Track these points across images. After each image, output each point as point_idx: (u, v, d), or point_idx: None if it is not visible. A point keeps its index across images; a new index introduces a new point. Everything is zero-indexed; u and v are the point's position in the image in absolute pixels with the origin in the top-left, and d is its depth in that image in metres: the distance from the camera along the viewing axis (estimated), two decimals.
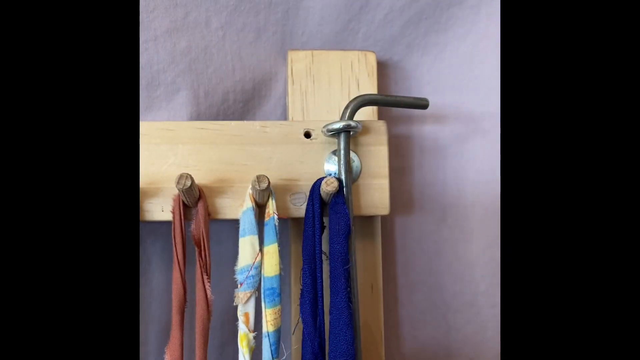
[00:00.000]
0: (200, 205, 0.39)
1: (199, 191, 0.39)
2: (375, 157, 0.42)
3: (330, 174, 0.41)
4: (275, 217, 0.38)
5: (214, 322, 0.45)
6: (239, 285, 0.38)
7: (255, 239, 0.38)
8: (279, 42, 0.47)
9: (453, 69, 0.50)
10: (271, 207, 0.38)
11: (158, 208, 0.40)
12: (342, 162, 0.40)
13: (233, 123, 0.42)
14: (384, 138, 0.43)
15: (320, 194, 0.39)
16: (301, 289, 0.38)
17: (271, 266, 0.37)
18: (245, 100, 0.47)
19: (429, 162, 0.50)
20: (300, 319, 0.38)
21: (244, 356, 0.37)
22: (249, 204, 0.38)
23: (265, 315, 0.37)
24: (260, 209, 0.40)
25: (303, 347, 0.37)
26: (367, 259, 0.45)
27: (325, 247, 0.39)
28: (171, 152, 0.41)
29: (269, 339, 0.37)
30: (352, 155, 0.42)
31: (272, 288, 0.37)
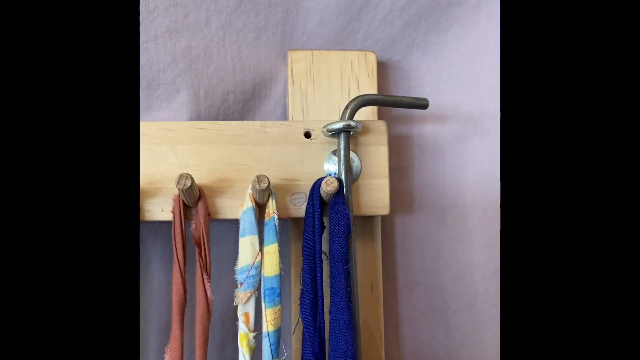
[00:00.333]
0: (200, 205, 0.39)
1: (199, 191, 0.39)
2: (375, 157, 0.42)
3: (330, 174, 0.41)
4: (275, 217, 0.38)
5: (214, 322, 0.45)
6: (239, 285, 0.38)
7: (255, 239, 0.38)
8: (279, 42, 0.48)
9: (453, 69, 0.50)
10: (271, 207, 0.38)
11: (158, 208, 0.40)
12: (342, 162, 0.40)
13: (233, 123, 0.42)
14: (384, 138, 0.43)
15: (320, 194, 0.39)
16: (301, 289, 0.38)
17: (271, 266, 0.38)
18: (245, 100, 0.47)
19: (428, 162, 0.50)
20: (300, 319, 0.38)
21: (244, 356, 0.37)
22: (249, 204, 0.38)
23: (265, 315, 0.37)
24: (260, 209, 0.40)
25: (303, 347, 0.38)
26: (367, 259, 0.45)
27: (325, 247, 0.39)
28: (171, 152, 0.41)
29: (269, 338, 0.37)
30: (352, 155, 0.42)
31: (272, 288, 0.37)
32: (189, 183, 0.36)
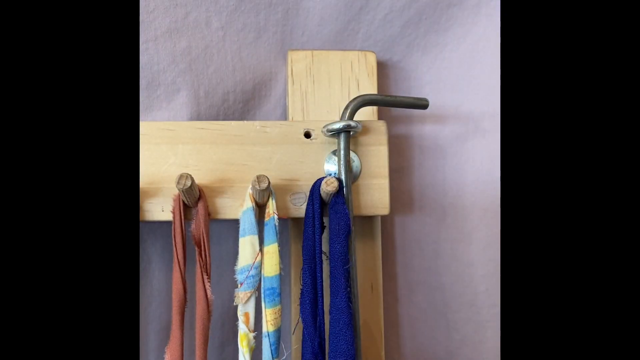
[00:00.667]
0: (200, 205, 0.39)
1: (199, 191, 0.39)
2: (375, 157, 0.42)
3: (330, 174, 0.41)
4: (275, 217, 0.38)
5: (214, 322, 0.45)
6: (239, 285, 0.38)
7: (255, 238, 0.38)
8: (279, 42, 0.48)
9: (453, 69, 0.50)
10: (271, 207, 0.38)
11: (158, 208, 0.40)
12: (342, 162, 0.40)
13: (233, 123, 0.42)
14: (384, 138, 0.43)
15: (320, 194, 0.39)
16: (301, 289, 0.38)
17: (271, 266, 0.38)
18: (245, 100, 0.47)
19: (428, 162, 0.50)
20: (300, 319, 0.38)
21: (244, 356, 0.37)
22: (249, 204, 0.38)
23: (265, 315, 0.37)
24: (260, 209, 0.40)
25: (303, 347, 0.38)
26: (367, 259, 0.45)
27: (325, 247, 0.39)
28: (171, 152, 0.41)
29: (269, 338, 0.37)
30: (352, 155, 0.42)
31: (272, 288, 0.37)
32: (189, 183, 0.36)
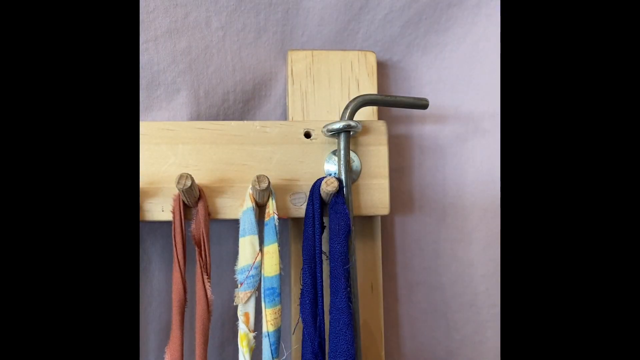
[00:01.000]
0: (200, 205, 0.39)
1: (199, 191, 0.39)
2: (375, 157, 0.42)
3: (330, 174, 0.41)
4: (276, 217, 0.38)
5: (214, 322, 0.45)
6: (239, 285, 0.38)
7: (255, 238, 0.38)
8: (279, 42, 0.48)
9: (453, 69, 0.50)
10: (271, 207, 0.38)
11: (158, 208, 0.40)
12: (342, 162, 0.40)
13: (233, 123, 0.42)
14: (384, 138, 0.43)
15: (320, 194, 0.39)
16: (301, 289, 0.38)
17: (271, 266, 0.38)
18: (245, 101, 0.47)
19: (428, 162, 0.50)
20: (300, 319, 0.38)
21: (244, 356, 0.37)
22: (249, 203, 0.38)
23: (265, 315, 0.37)
24: (260, 209, 0.40)
25: (303, 347, 0.38)
26: (367, 259, 0.45)
27: (325, 247, 0.39)
28: (171, 152, 0.41)
29: (269, 338, 0.37)
30: (352, 155, 0.42)
31: (272, 288, 0.37)
32: (189, 183, 0.36)
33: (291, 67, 0.46)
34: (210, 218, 0.40)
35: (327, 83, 0.46)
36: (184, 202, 0.39)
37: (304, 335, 0.37)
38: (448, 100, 0.50)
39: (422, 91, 0.50)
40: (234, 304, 0.38)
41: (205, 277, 0.37)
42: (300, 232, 0.42)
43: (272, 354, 0.37)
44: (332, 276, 0.38)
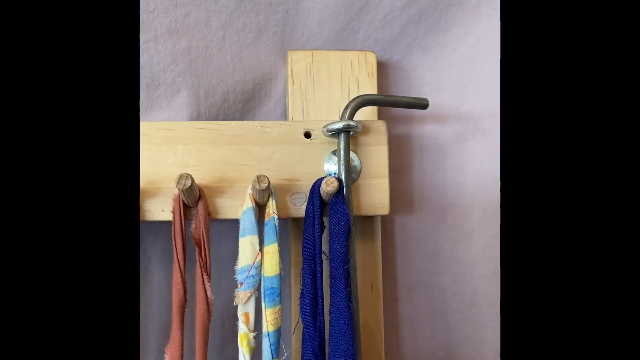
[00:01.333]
0: (200, 205, 0.39)
1: (199, 191, 0.39)
2: (375, 157, 0.42)
3: (330, 174, 0.41)
4: (275, 217, 0.38)
5: (214, 322, 0.45)
6: (239, 285, 0.38)
7: (255, 238, 0.38)
8: (279, 42, 0.48)
9: (453, 69, 0.50)
10: (271, 207, 0.38)
11: (158, 208, 0.40)
12: (342, 162, 0.40)
13: (233, 123, 0.42)
14: (384, 138, 0.43)
15: (320, 194, 0.39)
16: (301, 289, 0.38)
17: (271, 266, 0.38)
18: (245, 101, 0.47)
19: (428, 162, 0.50)
20: (300, 319, 0.38)
21: (244, 356, 0.37)
22: (249, 203, 0.38)
23: (265, 315, 0.37)
24: (260, 209, 0.40)
25: (303, 347, 0.38)
26: (367, 259, 0.45)
27: (325, 247, 0.39)
28: (171, 152, 0.41)
29: (269, 338, 0.37)
30: (352, 155, 0.42)
31: (272, 288, 0.37)
32: (189, 183, 0.36)
33: (291, 67, 0.46)
34: (210, 218, 0.40)
35: (327, 83, 0.46)
36: (184, 202, 0.39)
37: (304, 335, 0.37)
38: (448, 100, 0.50)
39: (422, 91, 0.50)
40: (234, 304, 0.38)
41: (205, 277, 0.37)
42: (300, 232, 0.42)
43: (272, 354, 0.37)
44: (332, 276, 0.38)
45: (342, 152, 0.40)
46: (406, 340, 0.49)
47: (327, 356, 0.37)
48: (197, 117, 0.45)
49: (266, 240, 0.38)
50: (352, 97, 0.43)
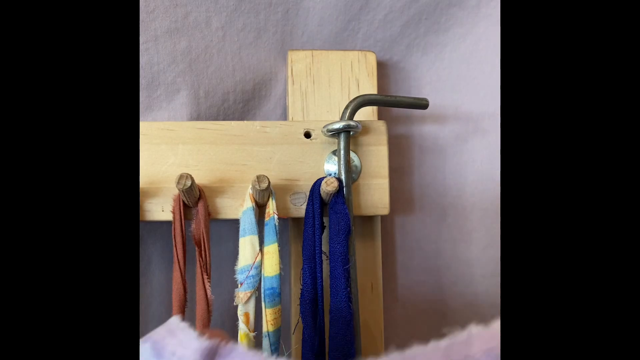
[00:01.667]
0: (200, 205, 0.39)
1: (199, 191, 0.39)
2: (375, 157, 0.42)
3: (330, 174, 0.41)
4: (276, 217, 0.38)
5: (214, 322, 0.45)
6: (239, 285, 0.38)
7: (255, 238, 0.38)
8: (279, 42, 0.48)
9: (453, 69, 0.50)
10: (271, 207, 0.38)
11: (158, 208, 0.40)
12: (342, 162, 0.40)
13: (233, 123, 0.42)
14: (384, 138, 0.43)
15: (320, 194, 0.39)
16: (301, 289, 0.38)
17: (271, 266, 0.38)
18: (245, 101, 0.47)
19: (429, 162, 0.50)
20: (300, 319, 0.38)
21: None
22: (249, 203, 0.38)
23: (265, 315, 0.37)
24: (260, 208, 0.40)
25: (303, 347, 0.38)
26: (367, 259, 0.45)
27: (325, 247, 0.39)
28: (171, 152, 0.41)
29: (269, 338, 0.37)
30: (352, 155, 0.42)
31: (272, 288, 0.37)
32: (189, 183, 0.36)
33: (291, 67, 0.46)
34: (210, 218, 0.40)
35: (327, 83, 0.46)
36: (184, 202, 0.39)
37: (304, 335, 0.37)
38: (448, 100, 0.50)
39: (422, 91, 0.50)
40: (234, 304, 0.38)
41: (205, 277, 0.37)
42: (300, 232, 0.42)
43: (272, 354, 0.37)
44: (332, 276, 0.38)
45: (342, 152, 0.40)
46: (406, 340, 0.49)
47: (327, 356, 0.37)
48: (197, 117, 0.45)
49: (266, 240, 0.38)
50: (352, 97, 0.43)
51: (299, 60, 0.46)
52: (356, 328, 0.39)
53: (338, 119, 0.41)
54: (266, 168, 0.41)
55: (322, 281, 0.38)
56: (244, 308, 0.37)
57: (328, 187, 0.38)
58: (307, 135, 0.42)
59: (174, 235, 0.38)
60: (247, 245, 0.38)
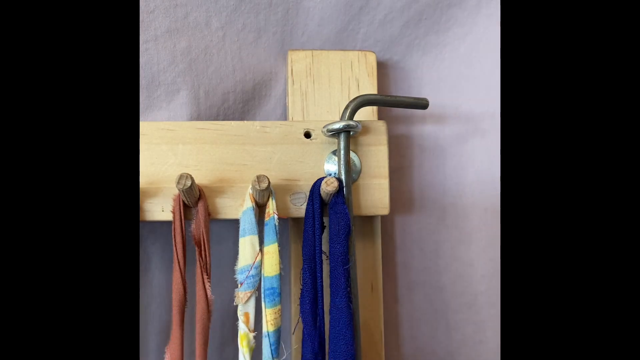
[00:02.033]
0: (200, 205, 0.39)
1: (199, 191, 0.39)
2: (375, 157, 0.42)
3: (330, 174, 0.41)
4: (276, 217, 0.38)
5: (214, 322, 0.45)
6: (239, 285, 0.38)
7: (255, 238, 0.38)
8: (279, 42, 0.48)
9: (453, 69, 0.50)
10: (271, 207, 0.38)
11: (158, 208, 0.40)
12: (342, 162, 0.40)
13: (233, 123, 0.42)
14: (384, 138, 0.43)
15: (320, 194, 0.39)
16: (301, 289, 0.38)
17: (271, 266, 0.38)
18: (245, 100, 0.47)
19: (429, 162, 0.50)
20: (300, 319, 0.38)
21: (244, 356, 0.37)
22: (249, 203, 0.38)
23: (265, 315, 0.37)
24: (260, 209, 0.40)
25: (303, 347, 0.38)
26: (367, 259, 0.45)
27: (325, 247, 0.39)
28: (171, 152, 0.41)
29: (269, 338, 0.37)
30: (352, 155, 0.42)
31: (272, 288, 0.37)
32: (189, 183, 0.36)
33: (291, 67, 0.46)
34: (210, 218, 0.40)
35: (327, 83, 0.46)
36: (184, 202, 0.39)
37: (304, 335, 0.37)
38: (448, 100, 0.50)
39: (422, 91, 0.50)
40: (234, 304, 0.38)
41: (205, 277, 0.37)
42: (300, 232, 0.42)
43: (272, 354, 0.37)
44: (332, 276, 0.38)
45: (342, 152, 0.40)
46: (406, 340, 0.49)
47: (327, 356, 0.37)
48: (197, 117, 0.45)
49: (266, 240, 0.38)
50: (352, 97, 0.43)
51: (299, 60, 0.46)
52: (356, 328, 0.39)
53: (338, 119, 0.41)
54: (266, 168, 0.41)
55: (322, 281, 0.38)
56: (244, 308, 0.37)
57: (328, 187, 0.38)
58: (307, 135, 0.42)
59: (174, 235, 0.38)
60: (247, 245, 0.38)
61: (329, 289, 0.38)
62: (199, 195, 0.39)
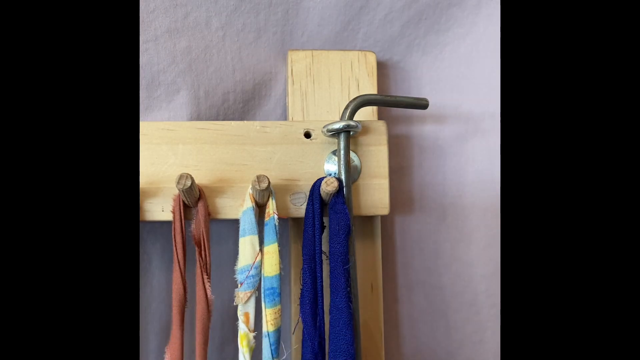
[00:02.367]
0: (200, 205, 0.39)
1: (199, 191, 0.39)
2: (375, 157, 0.42)
3: (330, 174, 0.41)
4: (276, 217, 0.38)
5: (214, 322, 0.45)
6: (239, 285, 0.38)
7: (255, 238, 0.38)
8: (279, 42, 0.48)
9: (453, 69, 0.50)
10: (271, 207, 0.38)
11: (158, 208, 0.40)
12: (342, 162, 0.40)
13: (233, 123, 0.42)
14: (384, 138, 0.43)
15: (320, 194, 0.39)
16: (301, 289, 0.38)
17: (271, 266, 0.38)
18: (245, 101, 0.47)
19: (428, 162, 0.50)
20: (300, 319, 0.38)
21: (244, 356, 0.37)
22: (249, 203, 0.38)
23: (265, 315, 0.37)
24: (260, 208, 0.40)
25: (303, 347, 0.38)
26: (367, 259, 0.45)
27: (325, 247, 0.39)
28: (171, 152, 0.41)
29: (269, 338, 0.37)
30: (352, 155, 0.42)
31: (272, 288, 0.37)
32: (189, 183, 0.36)
33: (291, 67, 0.46)
34: (210, 218, 0.40)
35: (327, 83, 0.46)
36: (184, 202, 0.39)
37: (304, 335, 0.37)
38: (448, 100, 0.50)
39: (422, 91, 0.50)
40: (234, 304, 0.38)
41: (205, 277, 0.37)
42: (300, 232, 0.42)
43: (272, 354, 0.37)
44: (332, 276, 0.38)
45: (342, 152, 0.40)
46: (406, 340, 0.49)
47: (327, 356, 0.37)
48: (197, 117, 0.45)
49: (266, 240, 0.38)
50: (352, 97, 0.43)
51: (299, 60, 0.46)
52: (356, 328, 0.39)
53: (338, 119, 0.41)
54: (266, 168, 0.41)
55: (322, 281, 0.38)
56: (244, 308, 0.37)
57: (328, 187, 0.38)
58: (307, 135, 0.42)
59: (174, 235, 0.38)
60: (247, 245, 0.38)
61: (329, 289, 0.38)
62: (199, 195, 0.39)
